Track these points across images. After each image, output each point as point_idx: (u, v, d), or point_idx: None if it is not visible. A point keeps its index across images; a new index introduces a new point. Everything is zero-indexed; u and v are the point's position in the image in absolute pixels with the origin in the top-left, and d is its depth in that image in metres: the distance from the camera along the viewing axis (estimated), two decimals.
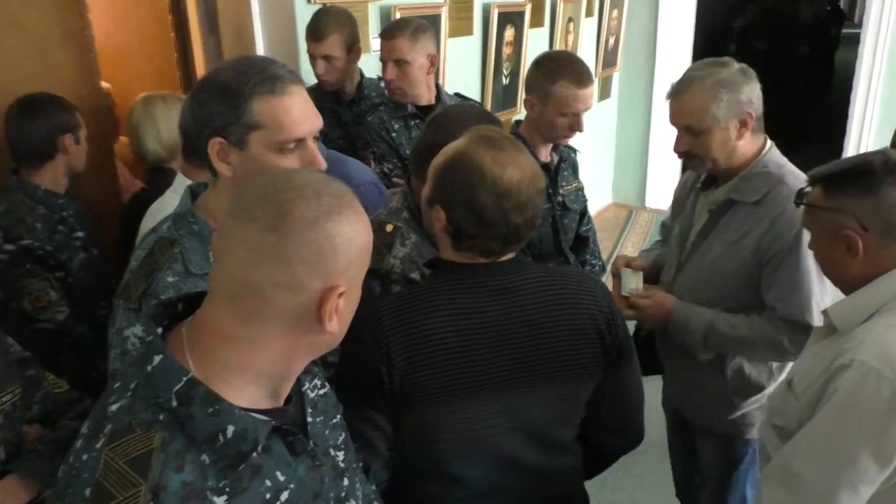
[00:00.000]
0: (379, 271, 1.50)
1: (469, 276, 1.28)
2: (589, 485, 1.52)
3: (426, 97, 2.48)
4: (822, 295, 1.72)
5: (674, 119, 1.81)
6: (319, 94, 2.59)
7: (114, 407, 0.84)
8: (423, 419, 1.26)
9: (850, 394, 1.23)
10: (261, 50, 2.76)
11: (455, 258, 1.30)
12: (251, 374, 0.88)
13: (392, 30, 2.39)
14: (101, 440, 0.81)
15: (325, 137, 2.59)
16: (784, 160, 1.82)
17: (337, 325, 0.88)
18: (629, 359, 1.40)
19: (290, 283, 0.84)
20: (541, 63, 2.16)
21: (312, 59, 2.52)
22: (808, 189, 1.38)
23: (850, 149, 4.99)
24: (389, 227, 1.56)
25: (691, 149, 1.78)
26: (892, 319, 1.27)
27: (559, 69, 2.10)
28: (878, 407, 1.20)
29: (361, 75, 2.69)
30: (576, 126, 2.13)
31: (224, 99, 1.17)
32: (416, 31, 2.37)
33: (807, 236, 1.48)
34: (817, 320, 1.67)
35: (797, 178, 1.74)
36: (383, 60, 2.42)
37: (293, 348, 0.89)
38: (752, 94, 1.74)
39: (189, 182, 1.47)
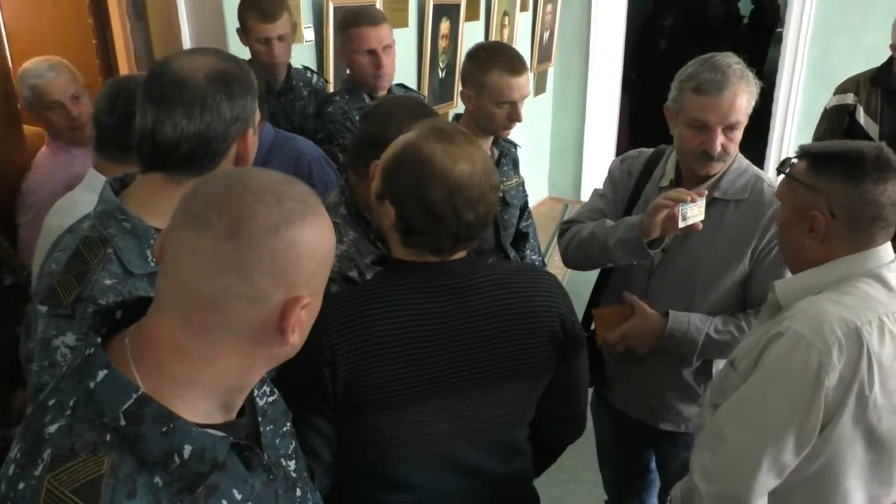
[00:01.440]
0: None
1: (419, 276, 1.23)
2: None
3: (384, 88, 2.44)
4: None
5: (723, 114, 1.66)
6: None
7: (51, 428, 0.76)
8: (370, 424, 1.22)
9: (781, 360, 1.25)
10: (187, 34, 2.63)
11: (405, 256, 1.24)
12: (204, 389, 0.82)
13: (373, 16, 2.33)
14: (40, 466, 0.73)
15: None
16: (747, 160, 1.82)
17: (299, 337, 0.83)
18: (580, 349, 1.40)
19: (251, 295, 0.77)
20: (474, 54, 2.12)
21: (266, 41, 2.39)
22: (795, 160, 1.37)
23: (774, 144, 5.18)
24: None
25: (726, 146, 1.69)
26: (833, 296, 1.28)
27: (492, 59, 2.06)
28: (805, 375, 1.21)
29: (289, 66, 2.59)
30: (514, 116, 2.09)
31: (249, 90, 1.19)
32: (386, 17, 2.34)
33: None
34: None
35: (765, 174, 1.79)
36: (369, 49, 2.33)
37: (250, 361, 0.83)
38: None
39: (103, 178, 1.40)
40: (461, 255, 1.27)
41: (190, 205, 0.80)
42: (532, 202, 5.98)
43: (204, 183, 0.82)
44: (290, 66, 2.58)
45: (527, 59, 5.04)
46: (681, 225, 1.63)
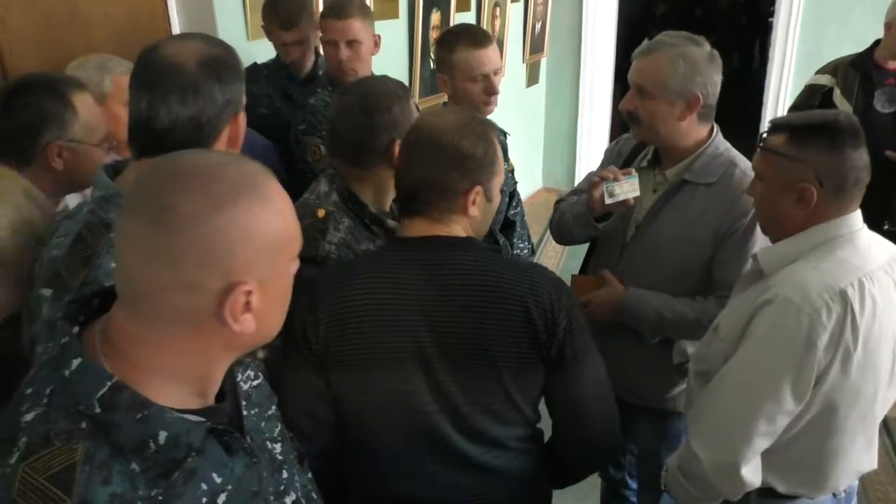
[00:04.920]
0: (314, 258, 1.46)
1: (401, 248, 1.30)
2: None
3: None
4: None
5: (631, 75, 1.80)
6: (271, 71, 2.61)
7: (28, 417, 0.76)
8: (350, 383, 1.28)
9: (772, 327, 1.31)
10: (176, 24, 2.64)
11: (401, 229, 1.33)
12: (171, 376, 0.81)
13: (344, 9, 2.33)
14: (16, 455, 0.73)
15: (275, 114, 2.54)
16: (728, 144, 1.85)
17: (253, 323, 0.80)
18: (578, 365, 1.30)
19: (183, 285, 0.76)
20: (441, 39, 2.20)
21: (284, 47, 2.50)
22: (769, 135, 1.41)
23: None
24: (321, 213, 1.51)
25: (636, 111, 1.79)
26: (812, 263, 1.35)
27: (455, 37, 2.13)
28: (797, 339, 1.28)
29: (317, 53, 2.63)
30: (489, 89, 2.12)
31: (239, 74, 1.23)
32: (363, 9, 2.34)
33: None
34: None
35: (743, 160, 1.80)
36: (332, 41, 2.35)
37: (206, 348, 0.81)
38: (710, 80, 1.73)
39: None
40: (447, 224, 1.30)
41: (129, 192, 0.80)
42: (526, 193, 6.03)
43: (145, 169, 0.82)
44: (318, 54, 2.63)
45: (519, 50, 5.15)
46: (608, 201, 1.77)
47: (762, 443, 1.34)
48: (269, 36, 2.55)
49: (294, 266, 0.86)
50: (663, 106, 1.74)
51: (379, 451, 1.33)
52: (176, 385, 0.82)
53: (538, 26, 5.39)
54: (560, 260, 4.90)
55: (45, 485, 0.71)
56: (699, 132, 1.80)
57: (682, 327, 1.81)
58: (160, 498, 0.77)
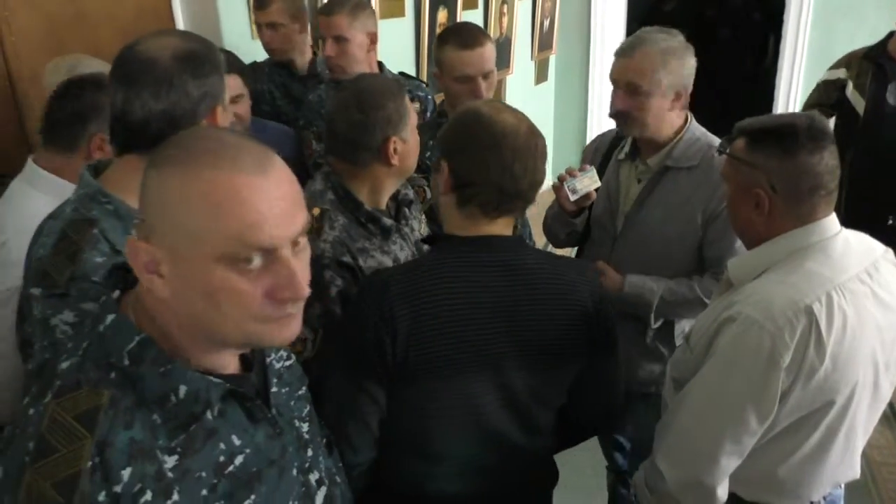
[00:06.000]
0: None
1: (471, 249, 1.28)
2: None
3: None
4: None
5: (619, 75, 1.80)
6: (272, 69, 2.63)
7: (63, 365, 0.83)
8: (419, 393, 1.26)
9: (734, 346, 1.27)
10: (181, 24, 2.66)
11: (458, 227, 1.30)
12: (184, 337, 0.85)
13: (331, 6, 2.34)
14: (49, 396, 0.80)
15: (277, 111, 2.55)
16: (704, 129, 1.89)
17: (163, 289, 0.80)
18: (613, 348, 1.40)
19: (140, 225, 0.84)
20: (438, 35, 2.20)
21: (259, 28, 2.52)
22: (733, 139, 1.39)
23: None
24: (316, 211, 1.50)
25: (629, 109, 1.79)
26: (780, 276, 1.31)
27: (446, 35, 2.11)
28: (759, 359, 1.24)
29: (315, 52, 2.65)
30: (475, 92, 2.09)
31: (216, 69, 1.23)
32: (355, 7, 2.32)
33: None
34: None
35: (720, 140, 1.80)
36: (322, 37, 2.36)
37: (166, 312, 0.84)
38: (692, 69, 1.79)
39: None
40: (506, 225, 1.31)
41: None
42: None
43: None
44: (315, 52, 2.65)
45: (527, 47, 5.12)
46: (572, 198, 1.85)
47: (730, 462, 1.30)
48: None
49: (235, 273, 0.79)
50: (658, 101, 1.76)
51: (431, 452, 1.32)
52: (193, 348, 0.86)
53: (546, 23, 5.37)
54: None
55: (71, 422, 0.77)
56: (679, 119, 1.85)
57: (683, 306, 1.84)
58: (179, 449, 0.82)
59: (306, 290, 0.84)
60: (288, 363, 1.07)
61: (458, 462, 1.33)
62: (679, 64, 1.75)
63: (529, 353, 1.29)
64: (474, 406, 1.29)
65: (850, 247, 1.34)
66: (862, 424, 1.38)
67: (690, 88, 1.81)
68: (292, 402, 1.04)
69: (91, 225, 1.17)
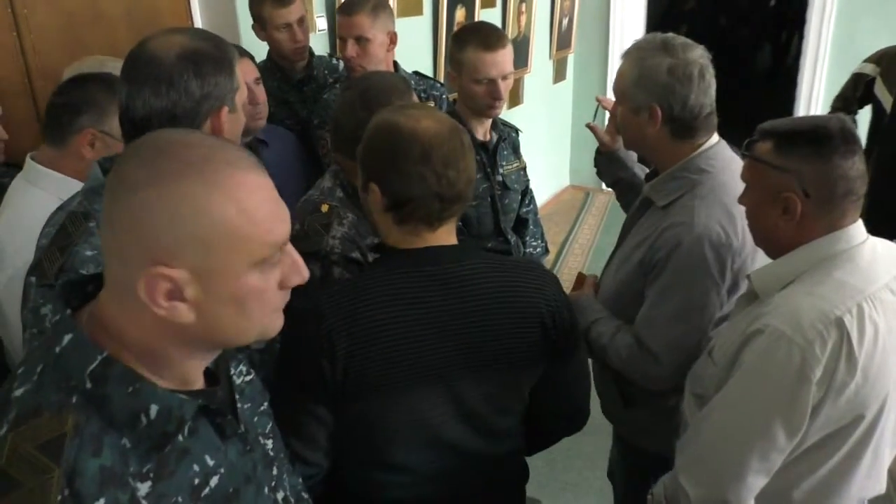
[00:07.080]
0: (318, 253, 1.46)
1: (412, 264, 1.23)
2: (540, 464, 1.51)
3: None
4: (685, 338, 1.53)
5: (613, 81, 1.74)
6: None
7: (18, 392, 0.76)
8: (367, 410, 1.23)
9: (762, 360, 1.23)
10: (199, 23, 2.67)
11: (399, 241, 1.25)
12: (148, 355, 0.79)
13: (352, 5, 2.32)
14: (4, 427, 0.73)
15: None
16: (714, 164, 1.58)
17: (189, 314, 0.76)
18: (575, 350, 1.38)
19: (117, 251, 0.76)
20: (455, 34, 2.16)
21: (286, 27, 2.44)
22: (757, 141, 1.33)
23: None
24: (325, 208, 1.51)
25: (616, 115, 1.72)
26: (808, 287, 1.26)
27: (467, 36, 2.08)
28: (788, 373, 1.20)
29: (311, 54, 2.61)
30: (494, 94, 2.08)
31: (223, 69, 1.22)
32: (376, 7, 2.31)
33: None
34: (669, 372, 1.55)
35: (714, 185, 1.55)
36: (342, 37, 2.34)
37: (157, 330, 0.78)
38: (675, 94, 1.53)
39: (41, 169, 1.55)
40: (449, 232, 1.26)
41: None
42: (553, 191, 5.99)
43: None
44: (311, 53, 2.61)
45: (545, 46, 5.11)
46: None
47: (757, 480, 1.26)
48: (262, 27, 2.46)
49: (263, 274, 0.79)
50: (627, 113, 1.62)
51: (390, 463, 1.30)
52: (158, 366, 0.81)
53: (565, 22, 5.34)
54: (585, 261, 4.85)
55: (34, 453, 0.71)
56: (676, 149, 1.59)
57: (600, 351, 1.66)
58: (151, 475, 0.77)
59: (308, 272, 0.86)
60: (248, 378, 1.02)
61: (418, 472, 1.30)
62: (649, 81, 1.55)
63: (482, 362, 1.26)
64: (425, 420, 1.26)
65: (878, 255, 1.29)
66: (890, 438, 1.33)
67: (681, 114, 1.54)
68: (255, 419, 1.00)
69: (87, 218, 1.19)
